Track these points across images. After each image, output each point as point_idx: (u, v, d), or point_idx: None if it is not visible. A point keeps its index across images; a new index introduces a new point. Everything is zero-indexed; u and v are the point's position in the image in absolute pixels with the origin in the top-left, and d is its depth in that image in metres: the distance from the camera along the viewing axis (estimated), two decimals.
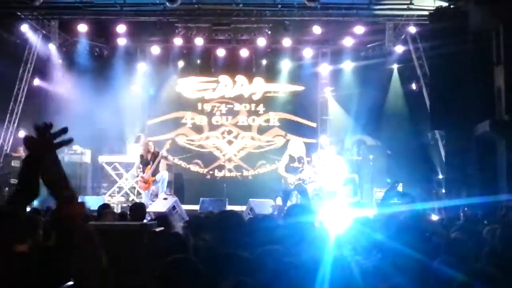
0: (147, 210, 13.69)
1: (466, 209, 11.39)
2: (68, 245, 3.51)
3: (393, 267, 4.45)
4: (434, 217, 11.37)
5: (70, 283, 4.91)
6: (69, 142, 3.23)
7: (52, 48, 20.06)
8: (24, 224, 5.80)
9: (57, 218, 3.32)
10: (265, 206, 15.67)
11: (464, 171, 16.48)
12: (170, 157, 17.28)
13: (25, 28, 19.16)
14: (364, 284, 4.09)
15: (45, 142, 3.22)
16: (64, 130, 3.23)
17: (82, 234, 3.43)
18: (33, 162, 3.26)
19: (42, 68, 20.12)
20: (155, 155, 16.23)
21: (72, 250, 3.58)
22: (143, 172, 16.13)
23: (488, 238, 5.91)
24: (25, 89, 19.61)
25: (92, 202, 16.22)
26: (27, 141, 3.24)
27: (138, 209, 9.43)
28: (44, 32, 19.78)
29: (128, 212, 9.91)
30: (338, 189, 16.91)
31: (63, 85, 20.39)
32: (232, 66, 21.47)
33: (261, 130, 21.45)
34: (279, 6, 18.36)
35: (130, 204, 13.25)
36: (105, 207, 10.65)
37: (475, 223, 9.28)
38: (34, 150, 3.26)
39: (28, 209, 14.63)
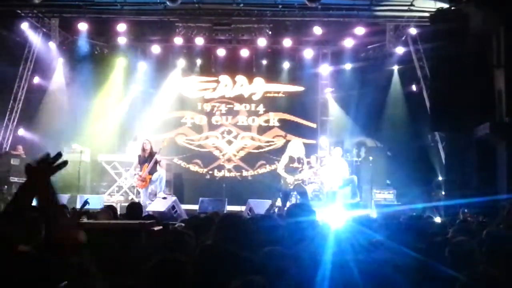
0: (147, 209, 13.68)
1: (465, 210, 11.37)
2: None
3: (392, 267, 4.43)
4: (437, 220, 11.35)
5: (65, 282, 4.90)
6: (64, 165, 3.34)
7: (52, 46, 20.00)
8: (27, 223, 5.80)
9: (49, 244, 3.42)
10: (264, 206, 15.63)
11: (463, 173, 16.48)
12: (163, 163, 17.20)
13: (25, 26, 19.16)
14: (364, 284, 4.07)
15: (44, 168, 3.29)
16: (59, 155, 3.34)
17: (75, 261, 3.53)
18: (30, 188, 3.32)
19: (42, 66, 20.08)
20: (151, 154, 16.19)
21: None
22: (141, 170, 16.11)
23: (487, 239, 5.88)
24: (25, 87, 19.61)
25: (91, 201, 16.20)
26: (26, 169, 3.31)
27: (134, 208, 9.36)
28: (44, 30, 19.75)
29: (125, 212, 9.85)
30: (338, 190, 16.89)
31: (63, 84, 20.37)
32: (232, 66, 21.47)
33: (261, 130, 21.43)
34: (280, 6, 18.36)
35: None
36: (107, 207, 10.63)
37: (474, 224, 9.26)
38: (33, 177, 3.33)
39: None
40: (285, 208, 14.70)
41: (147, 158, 16.14)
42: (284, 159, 15.14)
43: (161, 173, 16.44)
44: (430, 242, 6.06)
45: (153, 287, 3.87)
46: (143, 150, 16.28)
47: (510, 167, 14.99)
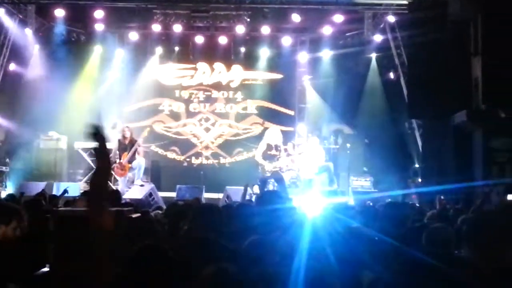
0: (124, 197, 13.62)
1: (442, 197, 11.45)
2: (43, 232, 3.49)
3: (369, 253, 4.45)
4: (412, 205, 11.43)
5: (46, 269, 4.88)
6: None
7: (29, 33, 19.85)
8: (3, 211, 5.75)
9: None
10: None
11: (440, 160, 16.58)
12: (141, 150, 17.10)
13: (1, 12, 18.95)
14: (340, 272, 4.08)
15: None
16: None
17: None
18: None
19: (18, 53, 19.88)
20: (132, 142, 16.13)
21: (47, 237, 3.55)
22: (120, 158, 16.04)
23: (462, 226, 5.94)
24: (1, 74, 19.41)
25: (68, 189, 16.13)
26: None
27: (113, 196, 9.30)
28: (20, 16, 19.58)
29: None
30: (314, 177, 16.93)
31: (39, 70, 20.20)
32: (210, 53, 21.35)
33: (239, 118, 21.38)
34: None
35: None
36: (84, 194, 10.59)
37: (450, 211, 9.34)
38: None
39: (3, 195, 14.52)
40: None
41: (127, 146, 16.08)
42: (262, 146, 15.16)
43: (140, 162, 16.40)
44: (407, 228, 6.10)
45: (133, 274, 3.86)
46: (124, 137, 16.23)
47: (486, 154, 15.13)
